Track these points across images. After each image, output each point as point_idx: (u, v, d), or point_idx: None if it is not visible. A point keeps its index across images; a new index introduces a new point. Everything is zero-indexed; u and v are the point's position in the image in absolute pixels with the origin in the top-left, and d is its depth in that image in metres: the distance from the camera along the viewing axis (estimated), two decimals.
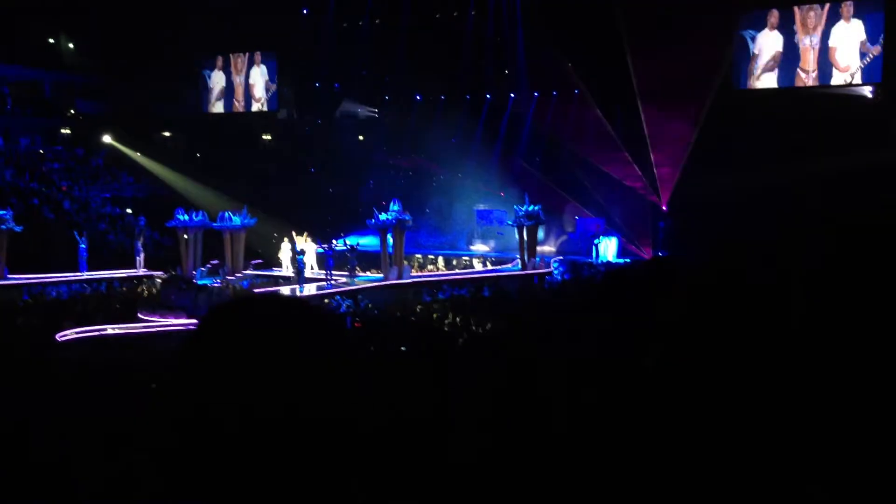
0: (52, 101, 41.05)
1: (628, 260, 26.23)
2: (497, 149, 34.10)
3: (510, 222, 27.87)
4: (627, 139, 29.67)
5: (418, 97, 36.91)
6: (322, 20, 37.18)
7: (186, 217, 26.31)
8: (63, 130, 39.91)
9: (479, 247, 30.82)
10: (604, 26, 29.30)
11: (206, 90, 40.92)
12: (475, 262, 29.28)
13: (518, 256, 27.12)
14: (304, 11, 37.55)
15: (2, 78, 39.34)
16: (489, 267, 28.38)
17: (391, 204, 25.67)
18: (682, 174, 27.05)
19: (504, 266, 27.90)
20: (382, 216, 25.50)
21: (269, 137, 40.60)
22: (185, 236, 26.39)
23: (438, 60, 34.90)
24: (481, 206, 31.63)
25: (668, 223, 26.61)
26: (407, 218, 25.87)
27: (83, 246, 25.74)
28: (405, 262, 26.02)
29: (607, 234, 28.32)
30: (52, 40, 41.53)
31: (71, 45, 41.85)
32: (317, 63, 37.73)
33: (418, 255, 29.59)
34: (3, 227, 24.17)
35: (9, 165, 33.42)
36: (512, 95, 34.93)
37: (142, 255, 26.94)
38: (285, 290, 24.14)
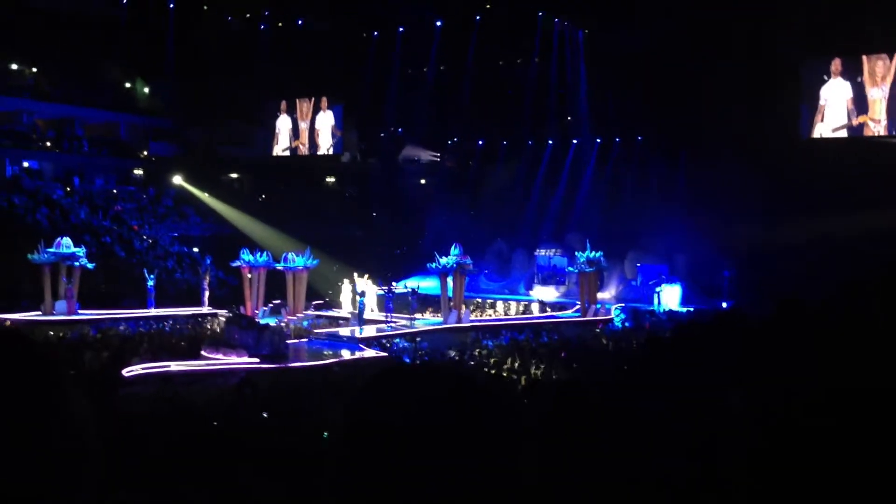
0: (127, 143, 42.50)
1: (691, 309, 25.79)
2: (558, 194, 34.12)
3: (572, 269, 27.74)
4: (693, 187, 29.41)
5: (480, 142, 37.25)
6: (388, 67, 37.97)
7: (251, 257, 26.85)
8: (136, 171, 41.26)
9: (540, 292, 30.63)
10: (667, 73, 29.31)
11: (273, 134, 41.96)
12: (534, 307, 29.11)
13: (579, 303, 26.93)
14: (371, 60, 38.37)
15: (79, 120, 40.95)
16: (549, 312, 28.18)
17: (452, 248, 25.81)
18: (747, 224, 26.67)
19: (564, 312, 27.68)
20: (443, 260, 25.63)
21: (332, 180, 41.31)
22: (249, 276, 26.89)
23: (501, 106, 35.29)
24: (542, 252, 31.55)
25: (732, 273, 26.15)
26: (467, 262, 25.96)
27: (151, 283, 26.39)
28: (464, 306, 26.04)
29: (670, 281, 27.91)
30: (128, 84, 43.16)
31: (146, 90, 43.42)
32: (382, 108, 38.47)
33: (477, 299, 29.57)
34: (76, 263, 24.94)
35: (83, 204, 34.59)
36: (574, 141, 35.01)
37: (207, 294, 27.49)
38: (345, 332, 24.35)
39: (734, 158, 28.14)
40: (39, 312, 24.15)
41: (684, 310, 25.95)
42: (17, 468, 1.14)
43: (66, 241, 25.30)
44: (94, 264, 25.52)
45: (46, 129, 40.24)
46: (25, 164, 37.95)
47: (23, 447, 1.16)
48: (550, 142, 35.63)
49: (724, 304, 24.64)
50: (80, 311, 24.56)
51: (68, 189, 36.27)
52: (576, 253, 27.77)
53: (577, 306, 26.99)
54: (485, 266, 31.07)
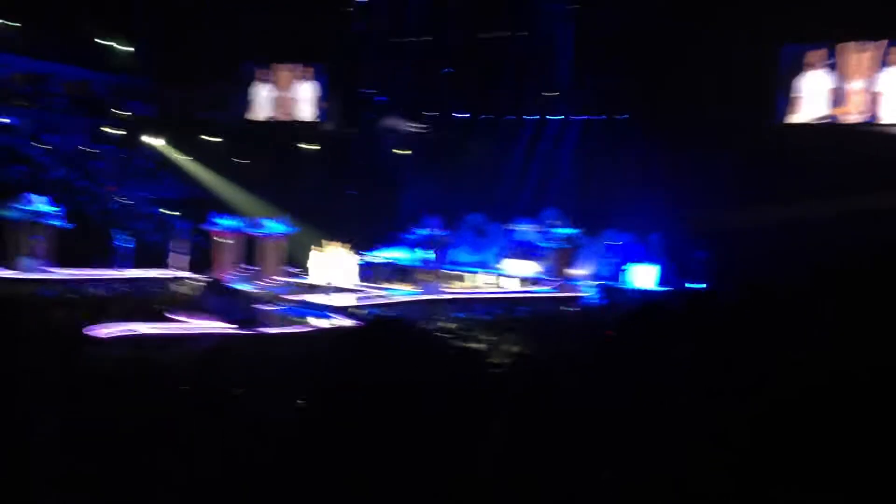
0: (104, 102, 41.88)
1: (665, 289, 26.03)
2: (534, 169, 34.16)
3: (546, 244, 27.84)
4: (670, 167, 29.52)
5: (460, 115, 37.13)
6: (370, 35, 37.65)
7: (226, 221, 26.73)
8: (113, 131, 40.71)
9: (514, 266, 30.72)
10: (650, 52, 29.31)
11: (252, 98, 41.49)
12: (508, 282, 29.24)
13: (551, 278, 27.10)
14: (354, 25, 38.02)
15: (57, 77, 40.28)
16: (523, 287, 28.33)
17: (428, 219, 25.82)
18: (722, 207, 26.87)
19: (538, 287, 27.85)
20: (419, 231, 25.66)
21: (311, 147, 41.02)
22: (223, 240, 26.80)
23: (482, 80, 35.15)
24: (517, 227, 31.63)
25: (706, 255, 26.39)
26: (443, 234, 26.02)
27: (124, 244, 26.20)
28: (437, 278, 26.13)
29: (650, 261, 28.12)
30: (108, 42, 42.44)
31: (124, 48, 42.73)
32: (363, 76, 38.17)
33: (452, 271, 29.62)
34: (49, 221, 24.72)
35: (58, 162, 34.14)
36: (553, 118, 34.99)
37: (181, 257, 27.36)
38: (318, 299, 24.35)
39: (712, 140, 28.27)
40: (7, 270, 23.95)
41: (658, 290, 26.18)
42: None
43: (37, 198, 25.04)
44: (66, 223, 25.28)
45: (23, 85, 39.55)
46: (1, 120, 37.31)
47: None
48: (529, 117, 35.56)
49: (696, 286, 24.89)
50: (51, 270, 24.38)
51: (42, 146, 35.73)
52: (551, 228, 27.82)
53: (551, 282, 27.16)
54: (460, 238, 31.13)
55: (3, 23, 38.87)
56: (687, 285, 25.32)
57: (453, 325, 21.79)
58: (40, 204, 24.82)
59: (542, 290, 27.18)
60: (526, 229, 31.18)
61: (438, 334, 19.54)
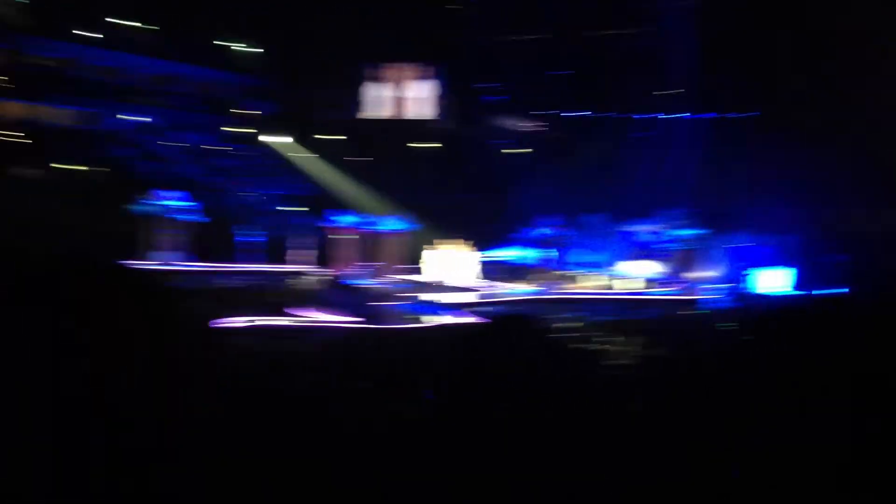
0: (229, 102, 43.41)
1: (801, 293, 24.87)
2: (655, 169, 33.32)
3: (667, 245, 27.09)
4: (805, 167, 28.21)
5: (578, 113, 36.63)
6: (487, 33, 37.60)
7: (345, 218, 27.20)
8: (238, 129, 42.15)
9: (633, 268, 29.96)
10: (781, 49, 28.08)
11: (371, 98, 42.14)
12: (626, 283, 28.56)
13: (674, 281, 26.33)
14: (471, 24, 38.03)
15: (188, 77, 42.03)
16: (642, 289, 27.63)
17: (545, 218, 25.55)
18: (863, 209, 25.48)
19: (658, 290, 27.08)
20: (536, 230, 25.42)
21: (428, 146, 41.35)
22: (343, 237, 27.27)
23: (601, 77, 34.56)
24: (637, 227, 30.85)
25: (844, 259, 25.05)
26: (560, 234, 25.69)
27: (248, 239, 27.00)
28: (554, 278, 25.78)
29: (780, 264, 26.91)
30: (233, 45, 44.00)
31: (249, 50, 44.19)
32: (480, 75, 38.18)
33: (568, 271, 29.15)
34: (179, 216, 25.71)
35: (187, 159, 35.60)
36: (677, 116, 34.05)
37: (302, 252, 27.95)
38: (436, 297, 24.42)
39: (849, 138, 26.87)
40: (145, 261, 24.99)
41: (791, 294, 25.03)
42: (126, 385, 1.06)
43: (170, 193, 26.08)
44: (194, 217, 26.24)
45: (156, 85, 41.44)
46: (136, 118, 39.24)
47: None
48: (651, 115, 34.73)
49: (835, 291, 23.64)
50: (179, 263, 25.33)
51: (173, 144, 37.35)
52: (671, 229, 27.06)
53: (672, 284, 26.39)
54: (577, 238, 30.65)
55: (139, 26, 40.81)
56: (823, 290, 24.09)
57: (569, 326, 21.46)
58: (171, 199, 25.85)
59: (663, 293, 26.43)
60: (645, 230, 30.40)
61: (557, 335, 19.28)
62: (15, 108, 36.43)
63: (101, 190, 29.70)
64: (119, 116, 38.26)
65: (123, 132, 36.88)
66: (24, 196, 27.03)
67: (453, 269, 25.95)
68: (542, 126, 37.68)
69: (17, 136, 33.29)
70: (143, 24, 40.77)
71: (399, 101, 41.53)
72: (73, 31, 37.64)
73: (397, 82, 41.52)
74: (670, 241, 27.00)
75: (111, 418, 1.08)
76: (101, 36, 38.91)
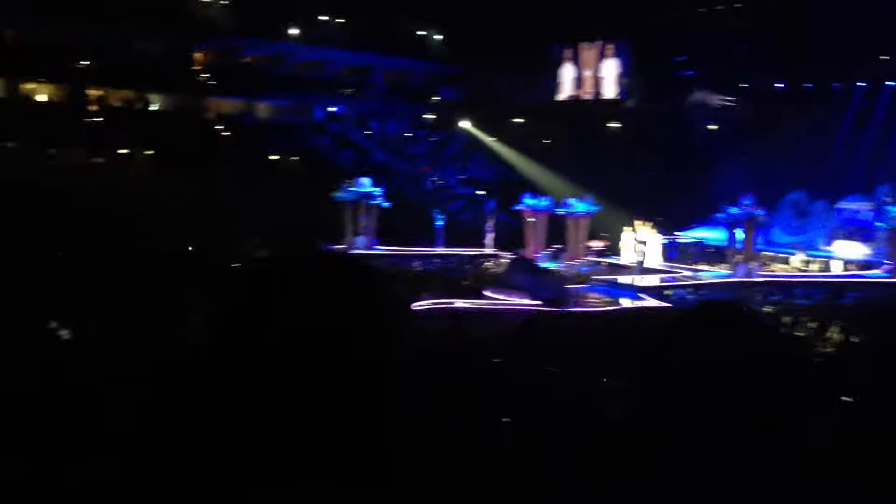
0: (419, 89, 44.52)
1: None
2: (866, 142, 30.91)
3: (881, 224, 25.09)
4: None
5: (778, 84, 34.56)
6: (678, 5, 36.21)
7: (533, 201, 27.22)
8: (426, 116, 43.18)
9: (843, 249, 27.93)
10: None
11: (557, 79, 41.82)
12: (833, 264, 26.72)
13: (888, 262, 24.35)
14: None
15: (378, 68, 43.51)
16: (851, 271, 25.75)
17: (742, 197, 24.36)
18: None
19: (871, 272, 25.12)
20: (732, 210, 24.29)
21: (616, 125, 40.52)
22: (531, 219, 27.31)
23: (801, 46, 32.35)
24: (847, 205, 28.76)
25: None
26: (759, 213, 24.43)
27: (440, 223, 27.63)
28: (754, 260, 24.54)
29: None
30: (422, 32, 45.05)
31: (438, 37, 45.09)
32: (668, 49, 36.88)
33: (769, 253, 27.67)
34: (374, 202, 26.69)
35: (379, 146, 36.91)
36: (889, 83, 31.37)
37: (490, 235, 28.28)
38: (625, 279, 23.98)
39: None
40: (342, 246, 26.19)
41: None
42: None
43: (366, 180, 27.10)
44: (389, 203, 27.15)
45: (349, 77, 43.19)
46: (331, 109, 41.15)
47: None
48: (860, 83, 32.17)
49: None
50: (375, 247, 26.33)
51: (367, 132, 38.84)
52: (887, 206, 25.05)
53: (887, 266, 24.41)
54: (778, 218, 29.03)
55: (327, 20, 42.64)
56: None
57: (769, 309, 20.40)
58: (366, 186, 26.86)
59: (875, 275, 24.50)
60: (856, 207, 28.31)
61: (759, 319, 18.37)
62: (224, 105, 39.22)
63: (304, 179, 31.40)
64: (319, 108, 40.32)
65: (323, 123, 38.79)
66: (236, 187, 29.06)
67: (644, 250, 25.32)
68: (736, 100, 35.89)
69: (226, 131, 35.81)
70: (339, 18, 42.56)
71: (585, 81, 40.95)
72: (276, 30, 39.91)
73: (584, 62, 40.93)
74: (883, 220, 24.96)
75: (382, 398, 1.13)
76: (301, 32, 41.02)
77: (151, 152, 30.79)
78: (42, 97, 34.58)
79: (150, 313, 13.49)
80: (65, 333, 11.97)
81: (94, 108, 34.09)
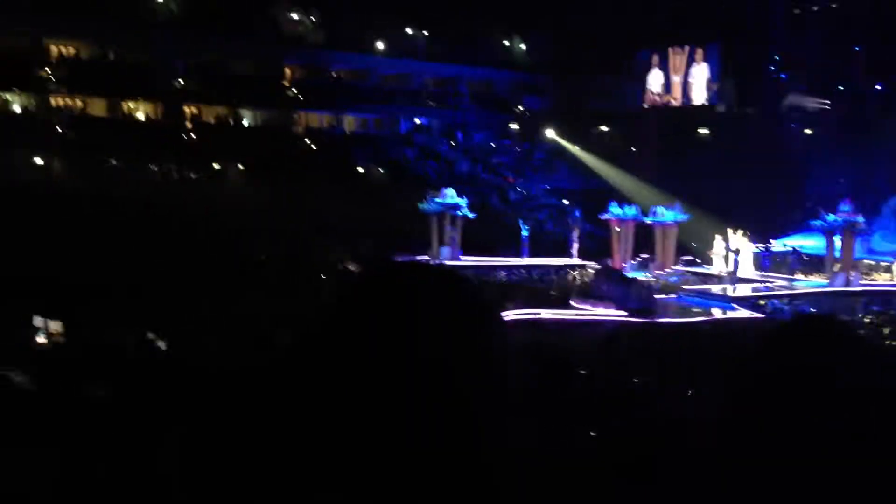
0: (503, 99, 44.55)
1: None
2: None
3: None
4: None
5: (877, 86, 33.28)
6: (770, 7, 35.26)
7: (619, 210, 26.82)
8: (511, 125, 43.15)
9: None
10: None
11: (644, 87, 41.24)
12: None
13: None
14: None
15: (462, 78, 43.73)
16: None
17: (840, 204, 23.46)
18: None
19: None
20: (830, 217, 23.42)
21: (706, 131, 39.67)
22: (618, 229, 26.92)
23: None
24: None
25: None
26: (858, 220, 23.47)
27: (525, 234, 27.51)
28: (853, 269, 23.58)
29: None
30: (506, 42, 45.12)
31: (522, 46, 45.05)
32: (761, 53, 35.93)
33: (869, 261, 26.52)
34: (459, 213, 26.76)
35: (465, 157, 37.02)
36: None
37: (576, 245, 28.00)
38: (717, 289, 23.37)
39: None
40: (427, 257, 26.35)
41: None
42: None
43: (451, 191, 27.21)
44: (474, 214, 27.19)
45: (434, 88, 43.54)
46: (416, 121, 41.57)
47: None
48: None
49: None
50: (461, 257, 26.38)
51: (452, 143, 39.02)
52: None
53: None
54: (880, 224, 27.83)
55: (413, 32, 43.08)
56: None
57: (869, 320, 19.58)
58: (451, 196, 26.94)
59: None
60: None
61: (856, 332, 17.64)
62: (312, 118, 40.07)
63: (390, 190, 31.77)
64: (405, 120, 40.80)
65: (409, 134, 39.21)
66: (324, 199, 29.61)
67: (736, 259, 24.62)
68: (835, 102, 34.65)
69: (314, 144, 36.55)
70: (423, 30, 43.00)
71: (673, 86, 40.25)
72: (363, 44, 40.57)
73: (672, 67, 40.25)
74: None
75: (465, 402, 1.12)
76: (387, 45, 41.59)
77: (242, 167, 31.66)
78: (140, 115, 36.01)
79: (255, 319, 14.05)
80: (161, 344, 12.42)
81: (189, 124, 35.33)
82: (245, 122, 38.25)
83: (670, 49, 40.05)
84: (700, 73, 39.11)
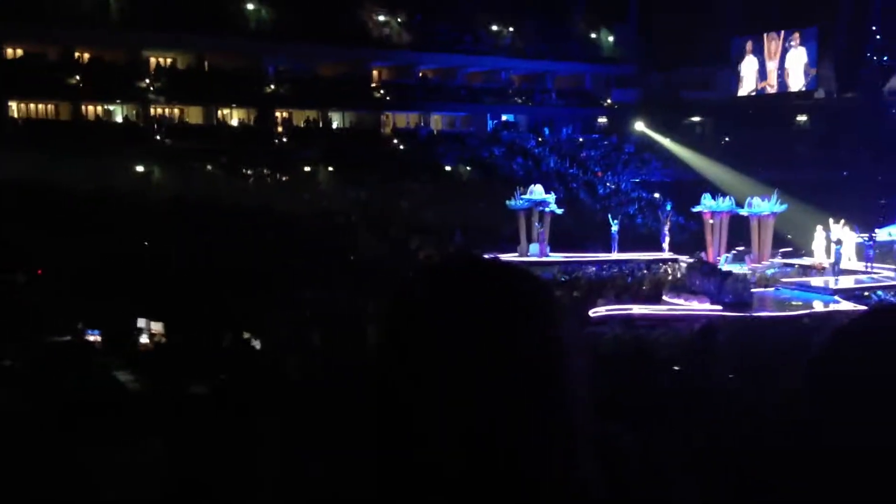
0: (591, 93, 44.07)
1: None
2: None
3: None
4: None
5: None
6: None
7: (713, 202, 26.15)
8: (600, 119, 42.67)
9: None
10: None
11: (738, 75, 40.15)
12: None
13: None
14: None
15: (549, 74, 43.46)
16: None
17: None
18: None
19: None
20: None
21: (804, 119, 38.34)
22: (711, 221, 26.25)
23: None
24: None
25: None
26: None
27: (615, 228, 27.14)
28: None
29: None
30: (593, 35, 44.62)
31: (610, 39, 44.47)
32: (863, 36, 34.50)
33: None
34: (547, 209, 26.61)
35: (552, 153, 36.79)
36: None
37: (667, 239, 27.45)
38: (817, 281, 22.57)
39: None
40: (516, 254, 26.28)
41: None
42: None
43: (538, 187, 27.06)
44: (562, 210, 26.98)
45: (521, 84, 43.42)
46: (504, 118, 41.54)
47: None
48: None
49: None
50: (550, 254, 26.22)
51: (539, 139, 38.86)
52: None
53: None
54: None
55: (503, 30, 43.02)
56: None
57: None
58: (539, 193, 26.79)
59: None
60: None
61: None
62: (400, 119, 40.49)
63: (478, 188, 31.83)
64: (491, 117, 40.82)
65: (496, 132, 39.22)
66: (412, 197, 29.87)
67: (838, 250, 23.70)
68: None
69: (402, 144, 36.93)
70: (508, 27, 42.93)
71: (769, 73, 39.03)
72: (449, 43, 40.78)
73: (768, 53, 39.05)
74: None
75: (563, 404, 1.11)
76: (473, 43, 41.68)
77: (332, 169, 32.23)
78: (234, 121, 37.09)
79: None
80: (256, 343, 12.80)
81: (280, 129, 36.20)
82: (334, 125, 38.94)
83: (765, 35, 38.86)
84: (797, 58, 37.82)
